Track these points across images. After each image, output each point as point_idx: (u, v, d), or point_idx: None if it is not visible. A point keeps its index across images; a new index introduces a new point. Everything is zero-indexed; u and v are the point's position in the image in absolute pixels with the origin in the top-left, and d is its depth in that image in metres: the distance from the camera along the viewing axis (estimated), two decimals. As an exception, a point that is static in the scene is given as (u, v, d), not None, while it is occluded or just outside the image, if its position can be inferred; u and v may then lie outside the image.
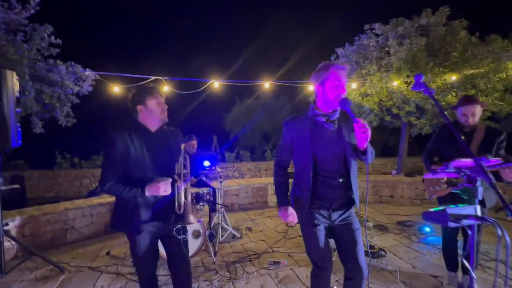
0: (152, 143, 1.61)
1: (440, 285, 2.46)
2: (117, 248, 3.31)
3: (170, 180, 1.50)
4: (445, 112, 5.56)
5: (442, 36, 5.59)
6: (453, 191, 1.00)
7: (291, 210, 1.63)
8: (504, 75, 4.80)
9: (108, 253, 3.21)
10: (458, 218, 0.87)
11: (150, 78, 5.04)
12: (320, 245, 1.60)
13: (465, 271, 2.38)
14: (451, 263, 2.46)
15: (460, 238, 2.36)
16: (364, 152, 1.45)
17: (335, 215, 1.62)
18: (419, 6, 5.68)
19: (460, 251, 2.44)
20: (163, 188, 1.47)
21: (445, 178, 2.32)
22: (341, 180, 1.58)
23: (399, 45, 5.48)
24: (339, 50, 6.64)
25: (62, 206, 3.66)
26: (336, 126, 1.57)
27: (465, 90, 5.30)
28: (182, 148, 1.60)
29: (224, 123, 15.69)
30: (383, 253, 3.06)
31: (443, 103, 5.40)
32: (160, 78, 5.11)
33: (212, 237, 3.47)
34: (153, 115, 1.59)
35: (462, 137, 2.23)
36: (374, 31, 5.86)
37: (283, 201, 1.67)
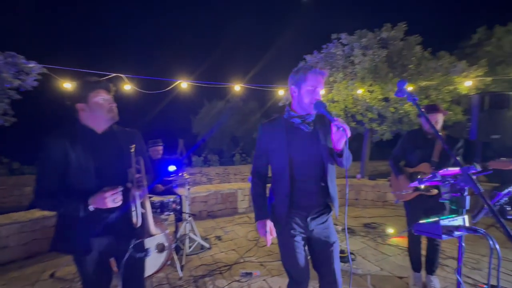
0: (98, 148, 1.37)
1: (407, 286, 2.55)
2: (64, 268, 2.85)
3: (119, 188, 1.28)
4: (404, 119, 6.01)
5: (399, 50, 6.05)
6: (441, 200, 0.99)
7: (269, 224, 1.50)
8: (451, 87, 5.35)
9: (52, 275, 2.74)
10: (450, 230, 0.84)
11: (109, 75, 4.56)
12: (297, 258, 1.52)
13: (429, 271, 2.50)
14: (416, 264, 2.57)
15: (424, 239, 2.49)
16: (341, 154, 1.40)
17: (312, 225, 1.55)
18: (380, 20, 6.11)
19: (423, 252, 2.56)
20: (110, 199, 1.25)
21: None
22: (320, 184, 1.53)
23: (363, 55, 5.79)
24: (308, 57, 6.80)
25: (-8, 221, 3.06)
26: (311, 128, 1.52)
27: (419, 100, 5.78)
28: (132, 149, 1.38)
29: (191, 126, 15.15)
30: (352, 256, 3.11)
31: (401, 111, 5.82)
32: (121, 75, 4.66)
33: (178, 249, 3.20)
34: (97, 115, 1.35)
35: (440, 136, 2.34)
36: (340, 40, 6.12)
37: (260, 215, 1.54)
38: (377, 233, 3.91)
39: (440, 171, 0.99)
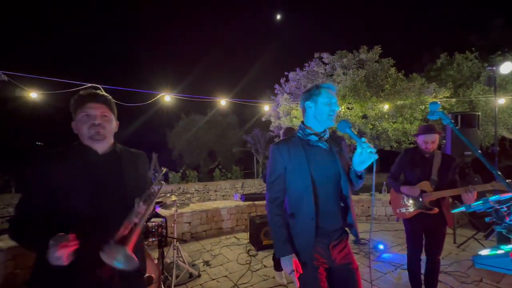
0: (96, 171, 1.15)
1: (408, 306, 2.50)
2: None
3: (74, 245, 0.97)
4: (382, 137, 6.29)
5: (375, 71, 6.45)
6: (498, 229, 0.95)
7: (295, 260, 1.35)
8: (423, 107, 5.78)
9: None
10: (518, 262, 0.78)
11: (84, 85, 4.18)
12: None
13: (428, 289, 2.49)
14: (416, 283, 2.55)
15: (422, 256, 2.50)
16: (361, 176, 1.38)
17: (335, 252, 1.44)
18: (358, 43, 6.52)
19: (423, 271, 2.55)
20: (60, 257, 0.93)
21: (410, 200, 2.46)
22: (340, 205, 1.45)
23: (344, 74, 6.07)
24: (291, 74, 6.97)
25: None
26: (328, 145, 1.47)
27: (394, 118, 6.14)
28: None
29: (166, 140, 14.50)
30: (350, 277, 3.02)
31: (380, 128, 6.12)
32: (98, 86, 4.29)
33: (165, 280, 2.86)
34: (80, 133, 1.16)
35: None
36: (322, 59, 6.38)
37: (284, 249, 1.37)
38: (367, 249, 3.90)
39: (492, 198, 0.96)
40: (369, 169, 1.36)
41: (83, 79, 4.15)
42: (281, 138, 3.20)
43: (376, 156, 1.22)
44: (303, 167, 1.41)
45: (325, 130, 1.47)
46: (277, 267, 3.02)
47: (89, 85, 4.27)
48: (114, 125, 1.22)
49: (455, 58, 7.54)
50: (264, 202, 4.85)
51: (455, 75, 7.51)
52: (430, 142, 2.34)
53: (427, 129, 2.36)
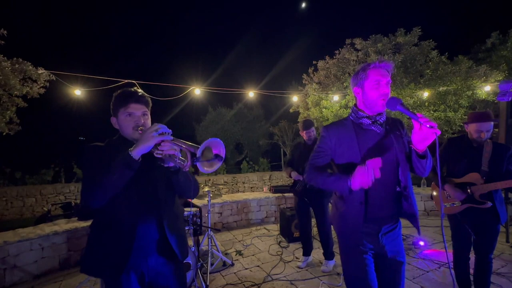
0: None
1: (456, 307, 2.33)
2: (79, 290, 2.62)
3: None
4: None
5: (413, 55, 5.96)
6: None
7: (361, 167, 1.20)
8: (470, 93, 5.22)
9: (66, 299, 2.51)
10: None
11: (120, 82, 4.41)
12: (369, 281, 1.33)
13: (479, 290, 2.29)
14: (464, 283, 2.36)
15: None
16: (423, 156, 1.23)
17: (385, 239, 1.36)
18: (393, 25, 6.02)
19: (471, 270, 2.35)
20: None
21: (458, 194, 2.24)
22: (395, 193, 1.35)
23: (378, 60, 5.68)
24: (319, 63, 6.70)
25: (0, 238, 2.83)
26: (383, 129, 1.36)
27: (436, 106, 5.65)
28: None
29: (194, 133, 14.95)
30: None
31: (419, 117, 5.68)
32: (133, 82, 4.50)
33: (201, 267, 2.97)
34: (125, 132, 1.23)
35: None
36: (354, 45, 6.02)
37: (343, 176, 1.25)
38: (407, 245, 3.70)
39: None
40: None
41: (117, 74, 4.38)
42: (301, 131, 3.12)
43: (439, 132, 1.10)
44: (353, 150, 1.34)
45: (381, 113, 1.34)
46: (305, 252, 3.17)
47: (126, 81, 4.49)
48: (150, 120, 1.28)
49: (509, 36, 6.64)
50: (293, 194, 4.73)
51: (509, 55, 6.62)
52: (485, 131, 2.10)
53: (482, 116, 2.12)
